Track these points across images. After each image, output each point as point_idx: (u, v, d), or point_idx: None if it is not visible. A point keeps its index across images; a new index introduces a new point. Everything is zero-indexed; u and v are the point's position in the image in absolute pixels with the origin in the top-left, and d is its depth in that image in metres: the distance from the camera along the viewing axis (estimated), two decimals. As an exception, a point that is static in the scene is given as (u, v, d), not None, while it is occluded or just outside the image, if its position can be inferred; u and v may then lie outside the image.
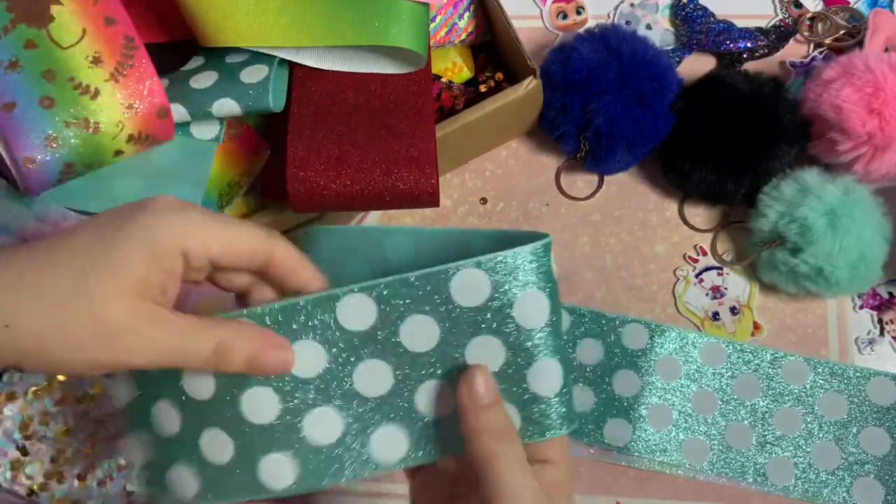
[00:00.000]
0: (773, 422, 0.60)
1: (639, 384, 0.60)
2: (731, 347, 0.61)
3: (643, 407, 0.60)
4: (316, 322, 0.39)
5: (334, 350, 0.39)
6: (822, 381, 0.60)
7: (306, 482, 0.39)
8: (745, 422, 0.60)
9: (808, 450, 0.59)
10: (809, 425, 0.59)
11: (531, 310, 0.39)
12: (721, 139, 0.61)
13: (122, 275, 0.36)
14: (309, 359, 0.39)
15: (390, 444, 0.40)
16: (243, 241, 0.39)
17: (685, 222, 0.66)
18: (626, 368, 0.61)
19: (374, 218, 0.67)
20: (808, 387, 0.60)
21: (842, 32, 0.68)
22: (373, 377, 0.40)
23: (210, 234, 0.38)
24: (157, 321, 0.37)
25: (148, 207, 0.38)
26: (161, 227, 0.37)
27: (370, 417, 0.40)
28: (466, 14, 0.63)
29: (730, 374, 0.60)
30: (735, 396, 0.60)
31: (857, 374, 0.60)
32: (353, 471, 0.40)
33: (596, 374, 0.61)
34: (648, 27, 0.69)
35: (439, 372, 0.40)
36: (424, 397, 0.40)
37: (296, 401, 0.39)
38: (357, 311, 0.39)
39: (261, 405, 0.39)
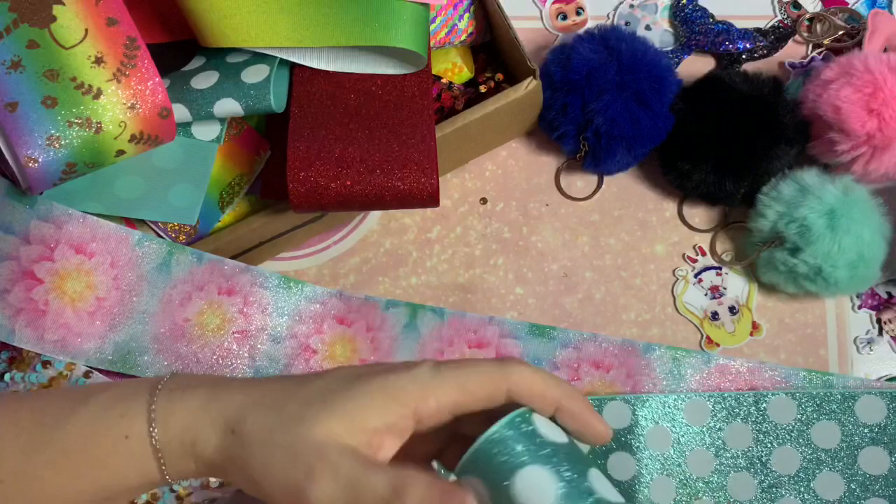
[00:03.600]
0: (772, 464, 0.59)
1: (634, 465, 0.59)
2: (711, 400, 0.59)
3: (644, 486, 0.59)
4: None
5: None
6: (810, 412, 0.59)
7: None
8: (745, 471, 0.59)
9: (812, 485, 0.58)
10: (807, 459, 0.58)
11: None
12: (721, 139, 0.61)
13: (340, 416, 0.38)
14: None
15: None
16: (475, 382, 0.39)
17: (684, 222, 0.66)
18: (619, 451, 0.59)
19: (374, 218, 0.67)
20: (797, 421, 0.59)
21: (840, 33, 0.68)
22: None
23: (442, 387, 0.39)
24: (347, 455, 0.37)
25: (394, 371, 0.39)
26: (394, 386, 0.38)
27: None
28: (466, 15, 0.63)
29: (718, 427, 0.59)
30: (729, 448, 0.59)
31: (843, 396, 0.59)
32: None
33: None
34: (648, 28, 0.69)
35: None
36: None
37: None
38: None
39: None
